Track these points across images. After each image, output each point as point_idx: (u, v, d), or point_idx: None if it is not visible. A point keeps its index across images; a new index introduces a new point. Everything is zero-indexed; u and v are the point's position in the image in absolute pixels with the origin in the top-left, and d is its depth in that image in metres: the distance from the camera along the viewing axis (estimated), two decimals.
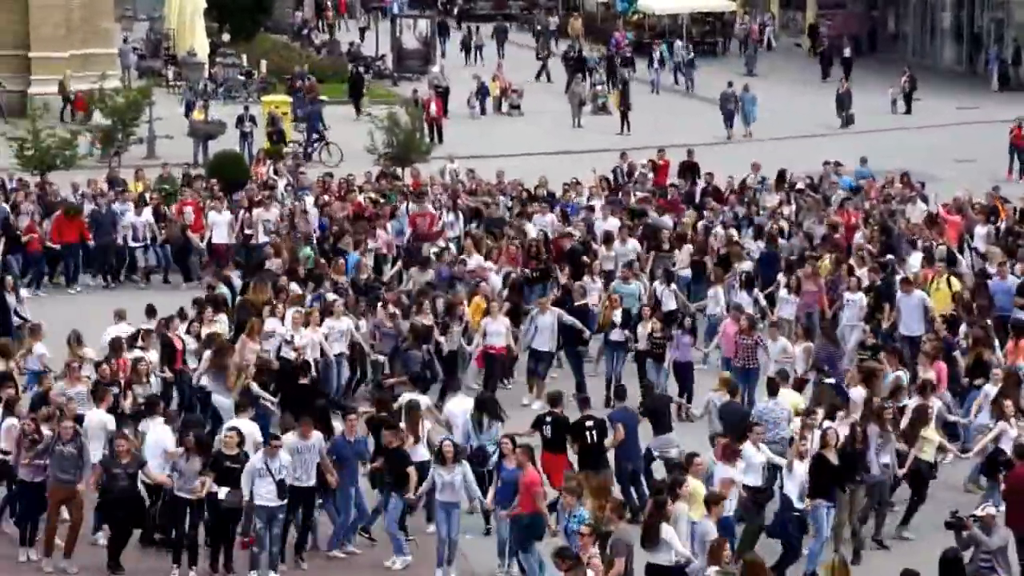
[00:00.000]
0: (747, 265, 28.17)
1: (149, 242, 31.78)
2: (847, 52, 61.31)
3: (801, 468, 18.59)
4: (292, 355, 23.11)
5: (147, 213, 31.79)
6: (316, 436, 18.88)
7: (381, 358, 24.50)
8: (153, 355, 22.46)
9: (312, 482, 18.90)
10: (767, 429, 19.71)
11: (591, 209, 32.22)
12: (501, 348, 24.65)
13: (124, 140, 42.42)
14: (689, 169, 37.57)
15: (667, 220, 31.48)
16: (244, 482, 18.33)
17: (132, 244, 31.77)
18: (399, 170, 38.48)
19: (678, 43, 63.42)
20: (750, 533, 18.85)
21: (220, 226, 31.39)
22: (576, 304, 25.92)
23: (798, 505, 18.54)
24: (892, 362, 22.48)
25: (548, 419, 19.86)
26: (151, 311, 23.96)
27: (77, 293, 30.96)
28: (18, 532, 19.30)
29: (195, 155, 43.17)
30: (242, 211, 31.68)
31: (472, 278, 27.06)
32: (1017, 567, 17.75)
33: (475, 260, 28.07)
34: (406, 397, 20.73)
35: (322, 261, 28.34)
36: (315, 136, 45.47)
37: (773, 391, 20.90)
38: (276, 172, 37.06)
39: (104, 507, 18.84)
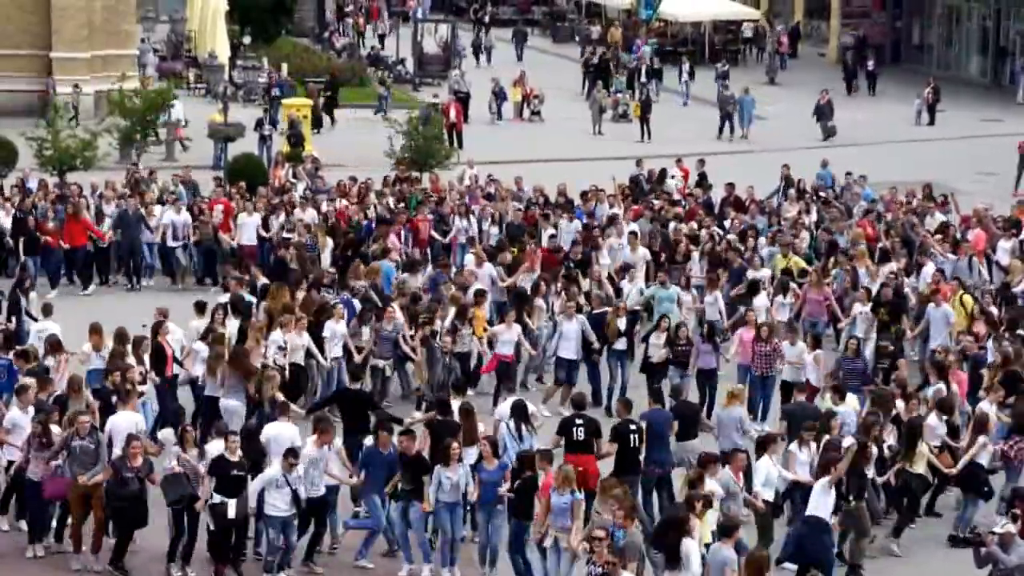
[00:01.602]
0: (765, 272, 28.01)
1: (187, 242, 31.72)
2: (870, 64, 61.06)
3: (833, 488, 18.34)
4: (283, 361, 23.03)
5: (185, 213, 31.80)
6: (332, 445, 18.92)
7: (380, 363, 24.37)
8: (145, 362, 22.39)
9: (323, 491, 18.85)
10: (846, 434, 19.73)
11: (591, 215, 32.25)
12: (509, 356, 24.62)
13: (143, 141, 42.36)
14: (701, 178, 37.49)
15: None
16: (254, 489, 18.24)
17: (171, 243, 31.68)
18: (416, 174, 38.29)
19: (645, 48, 63.08)
20: (764, 545, 18.67)
21: (249, 227, 31.29)
22: (595, 311, 25.80)
23: (832, 521, 18.30)
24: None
25: (578, 422, 19.67)
26: (201, 307, 24.17)
27: (88, 295, 30.73)
28: (24, 528, 19.39)
29: (215, 157, 43.12)
30: (283, 215, 31.59)
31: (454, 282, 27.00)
32: None
33: (478, 267, 27.92)
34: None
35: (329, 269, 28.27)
36: None
37: (842, 396, 21.01)
38: (295, 175, 37.00)
39: (113, 509, 18.61)
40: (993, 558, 16.91)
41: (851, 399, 21.34)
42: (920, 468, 20.08)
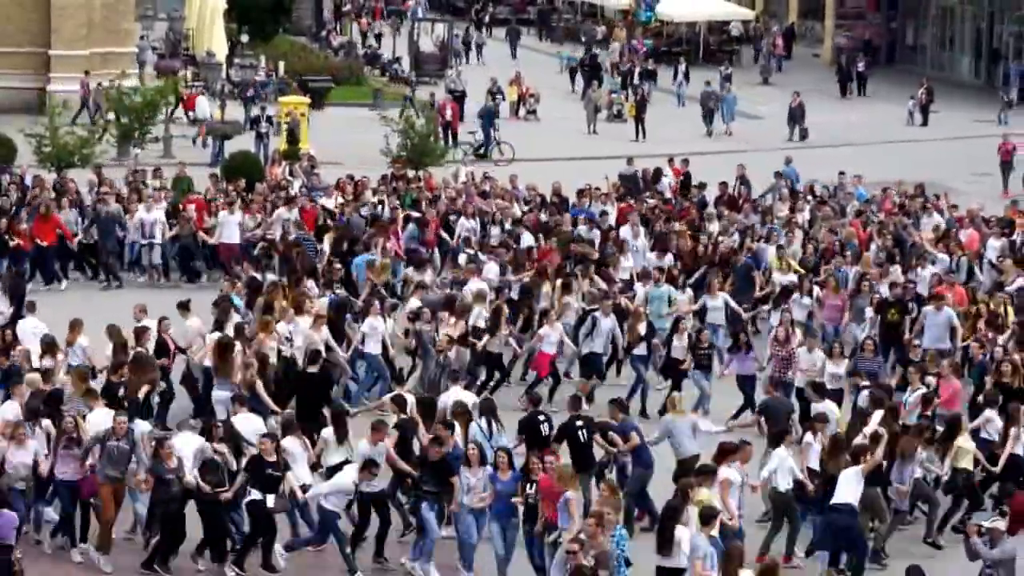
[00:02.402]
0: (786, 278, 27.96)
1: (159, 241, 31.53)
2: (861, 66, 61.29)
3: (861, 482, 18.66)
4: (288, 352, 23.29)
5: (157, 211, 31.65)
6: (385, 443, 18.97)
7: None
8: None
9: (383, 485, 18.93)
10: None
11: (605, 214, 32.45)
12: (553, 355, 24.77)
13: (141, 139, 42.53)
14: (686, 178, 37.73)
15: None
16: (322, 492, 18.45)
17: (141, 241, 31.53)
18: (411, 172, 38.51)
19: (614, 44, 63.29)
20: (791, 534, 19.24)
21: (230, 226, 31.29)
22: (588, 309, 26.00)
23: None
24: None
25: (541, 418, 20.03)
26: (184, 306, 24.22)
27: (61, 292, 30.39)
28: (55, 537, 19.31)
29: (212, 154, 43.31)
30: (260, 214, 31.64)
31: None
32: None
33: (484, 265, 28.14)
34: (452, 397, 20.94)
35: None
36: (484, 136, 46.83)
37: (822, 395, 21.19)
38: (291, 173, 37.13)
39: (156, 512, 18.65)
40: (976, 552, 17.20)
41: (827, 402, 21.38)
42: (964, 463, 20.22)
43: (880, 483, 19.40)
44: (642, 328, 25.07)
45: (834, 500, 18.48)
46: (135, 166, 37.81)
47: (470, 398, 21.19)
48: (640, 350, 25.04)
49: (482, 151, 46.36)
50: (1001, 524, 17.50)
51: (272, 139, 44.09)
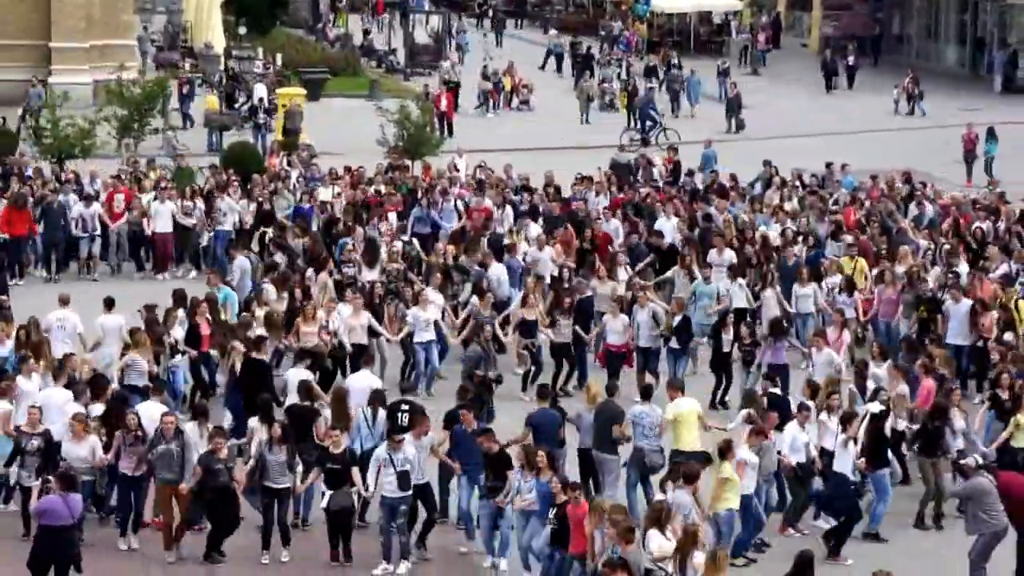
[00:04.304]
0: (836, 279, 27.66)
1: (98, 233, 31.44)
2: (851, 59, 61.79)
3: (853, 448, 19.41)
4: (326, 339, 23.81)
5: (95, 204, 31.59)
6: (430, 435, 19.07)
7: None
8: (179, 333, 23.31)
9: (426, 478, 18.96)
10: (643, 432, 19.90)
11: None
12: (621, 345, 24.85)
13: (140, 130, 43.11)
14: (676, 166, 38.35)
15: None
16: (370, 472, 18.50)
17: (81, 234, 31.38)
18: (407, 162, 39.16)
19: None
20: (797, 506, 19.91)
21: (163, 216, 31.40)
22: (580, 298, 26.30)
23: (853, 478, 19.46)
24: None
25: (404, 407, 20.21)
26: (110, 304, 23.96)
27: (20, 286, 30.05)
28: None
29: (208, 144, 43.84)
30: (202, 202, 31.93)
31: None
32: None
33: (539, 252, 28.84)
34: None
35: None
36: (650, 123, 48.29)
37: (647, 396, 20.62)
38: (289, 163, 37.69)
39: (204, 502, 18.60)
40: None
41: (685, 402, 20.51)
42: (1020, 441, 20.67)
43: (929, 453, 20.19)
44: (674, 321, 24.81)
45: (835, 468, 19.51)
46: (132, 157, 38.39)
47: (376, 382, 21.26)
48: (673, 343, 24.80)
49: (648, 136, 47.75)
50: (971, 461, 18.29)
51: (270, 129, 44.71)
